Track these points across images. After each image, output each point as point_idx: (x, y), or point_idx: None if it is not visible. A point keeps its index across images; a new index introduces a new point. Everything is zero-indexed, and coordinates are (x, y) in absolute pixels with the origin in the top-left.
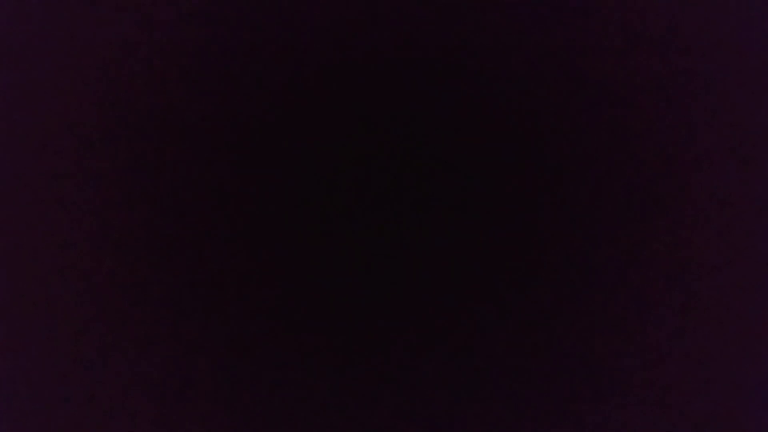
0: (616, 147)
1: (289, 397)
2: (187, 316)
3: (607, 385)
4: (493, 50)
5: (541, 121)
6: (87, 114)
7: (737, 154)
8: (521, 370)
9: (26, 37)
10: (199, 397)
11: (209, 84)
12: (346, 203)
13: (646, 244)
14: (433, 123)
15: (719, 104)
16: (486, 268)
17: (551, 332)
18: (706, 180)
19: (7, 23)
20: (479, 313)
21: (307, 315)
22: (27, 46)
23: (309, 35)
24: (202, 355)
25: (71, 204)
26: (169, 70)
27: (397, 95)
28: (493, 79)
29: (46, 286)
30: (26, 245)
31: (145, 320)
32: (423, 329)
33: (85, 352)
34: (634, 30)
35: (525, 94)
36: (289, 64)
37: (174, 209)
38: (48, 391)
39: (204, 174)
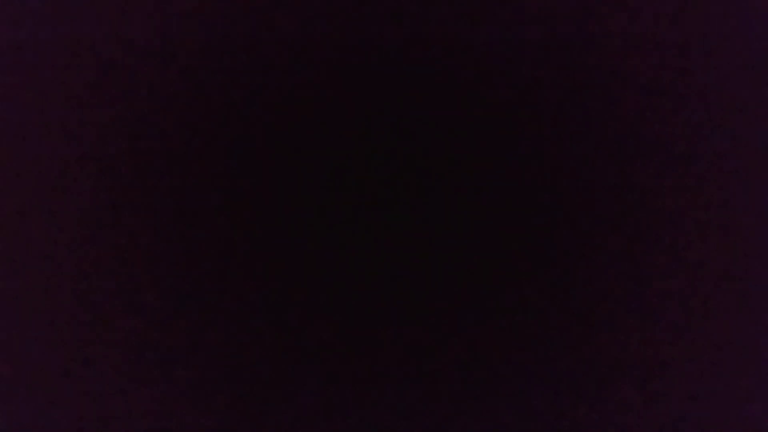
0: (616, 147)
1: (289, 397)
2: (187, 317)
3: (607, 385)
4: (492, 50)
5: (541, 121)
6: (87, 114)
7: (737, 155)
8: (521, 371)
9: (26, 37)
10: (198, 397)
11: (208, 84)
12: (345, 204)
13: (646, 245)
14: (433, 123)
15: (719, 105)
16: (486, 268)
17: (551, 332)
18: (706, 180)
19: (6, 23)
20: (479, 313)
21: (307, 315)
22: (27, 46)
23: (309, 35)
24: (201, 356)
25: (71, 204)
26: (168, 71)
27: (396, 96)
28: (494, 79)
29: (45, 286)
30: (26, 245)
31: (144, 320)
32: (422, 329)
33: (84, 352)
34: (634, 30)
35: (525, 94)
36: (288, 65)
37: (173, 209)
38: (47, 391)
39: (203, 174)
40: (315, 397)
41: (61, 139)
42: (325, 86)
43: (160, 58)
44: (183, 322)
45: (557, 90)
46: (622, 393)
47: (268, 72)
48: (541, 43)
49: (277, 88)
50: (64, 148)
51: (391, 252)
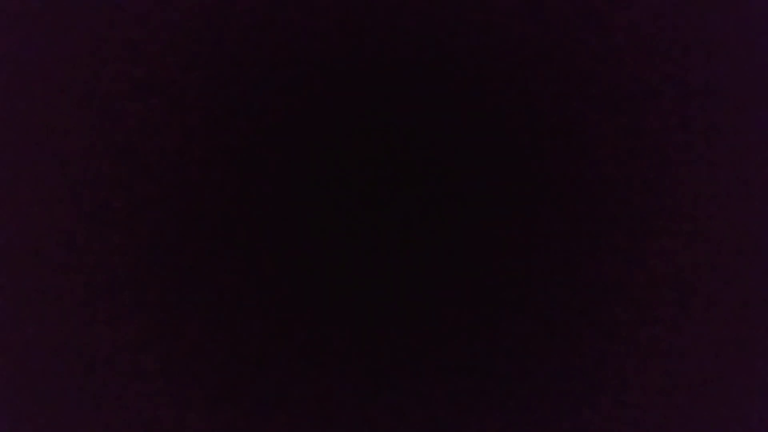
0: (616, 147)
1: (289, 397)
2: (187, 317)
3: (607, 386)
4: (492, 51)
5: (541, 121)
6: (87, 114)
7: (737, 154)
8: (521, 371)
9: (26, 38)
10: (199, 397)
11: (208, 85)
12: (346, 204)
13: (645, 245)
14: (432, 124)
15: (719, 105)
16: (485, 269)
17: (551, 333)
18: (705, 180)
19: (7, 23)
20: (479, 314)
21: (307, 316)
22: (27, 46)
23: (309, 35)
24: (201, 356)
25: (71, 204)
26: (169, 71)
27: (396, 96)
28: (494, 80)
29: (45, 286)
30: (26, 245)
31: (145, 320)
32: (422, 330)
33: (84, 352)
34: (634, 30)
35: (525, 94)
36: (288, 65)
37: (173, 210)
38: (48, 391)
39: (202, 175)
40: (316, 398)
41: (61, 140)
42: (324, 86)
43: (159, 58)
44: (181, 323)
45: (556, 90)
46: (621, 393)
47: (266, 72)
48: (540, 43)
49: (275, 89)
50: (64, 148)
51: (390, 252)
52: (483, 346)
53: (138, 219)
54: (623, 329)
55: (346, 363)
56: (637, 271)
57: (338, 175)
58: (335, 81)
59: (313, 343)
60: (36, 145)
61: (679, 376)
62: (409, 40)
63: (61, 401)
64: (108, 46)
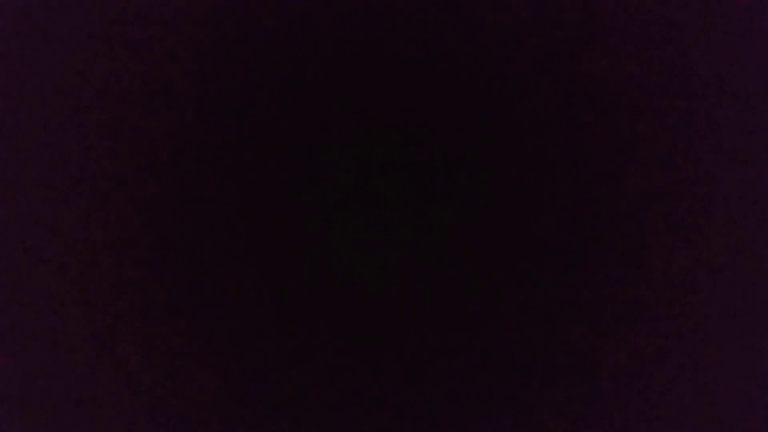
0: (615, 147)
1: (288, 397)
2: (187, 317)
3: (606, 386)
4: (492, 50)
5: (540, 121)
6: (87, 114)
7: (737, 154)
8: (522, 371)
9: (26, 37)
10: (199, 397)
11: (208, 84)
12: (345, 204)
13: (645, 245)
14: (432, 123)
15: (719, 104)
16: (485, 269)
17: (551, 333)
18: (705, 180)
19: (6, 23)
20: (479, 314)
21: (307, 316)
22: (27, 46)
23: (309, 35)
24: (201, 356)
25: (71, 204)
26: (168, 71)
27: (396, 96)
28: (493, 79)
29: (45, 286)
30: (26, 245)
31: (145, 320)
32: (423, 331)
33: (85, 352)
34: (634, 30)
35: (525, 93)
36: (288, 65)
37: (173, 210)
38: (48, 391)
39: (202, 175)
40: (315, 398)
41: (60, 140)
42: (323, 87)
43: (157, 57)
44: (180, 323)
45: (556, 89)
46: (621, 394)
47: (265, 72)
48: (539, 43)
49: (274, 89)
50: (63, 148)
51: (390, 253)
52: (482, 346)
53: (136, 218)
54: (623, 329)
55: (345, 363)
56: (636, 272)
57: (338, 175)
58: (334, 81)
59: (313, 344)
60: (35, 145)
61: (679, 377)
62: (408, 40)
63: (61, 401)
64: (107, 45)
